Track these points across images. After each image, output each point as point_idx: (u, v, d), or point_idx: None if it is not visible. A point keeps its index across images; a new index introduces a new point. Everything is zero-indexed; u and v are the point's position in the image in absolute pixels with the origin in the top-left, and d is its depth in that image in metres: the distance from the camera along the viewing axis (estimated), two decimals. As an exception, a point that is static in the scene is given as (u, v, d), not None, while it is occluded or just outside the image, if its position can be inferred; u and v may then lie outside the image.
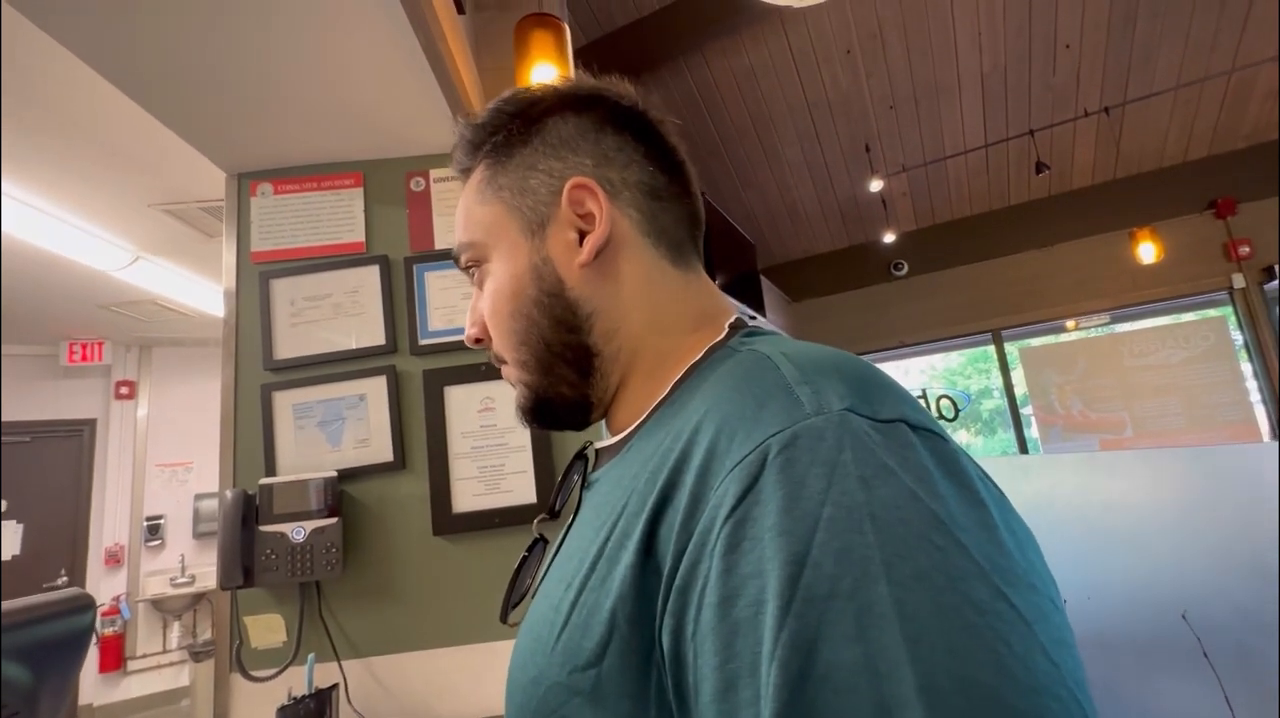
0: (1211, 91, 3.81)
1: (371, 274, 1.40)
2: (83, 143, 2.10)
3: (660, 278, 0.43)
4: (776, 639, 0.23)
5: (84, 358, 4.14)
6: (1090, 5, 3.44)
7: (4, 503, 3.90)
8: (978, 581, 0.23)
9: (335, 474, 1.27)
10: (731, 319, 0.43)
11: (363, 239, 1.43)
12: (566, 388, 0.44)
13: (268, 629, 1.24)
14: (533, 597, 0.41)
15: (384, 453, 1.33)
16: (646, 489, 0.32)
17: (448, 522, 1.29)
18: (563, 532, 0.44)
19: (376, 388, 1.35)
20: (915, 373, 5.97)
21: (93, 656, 3.90)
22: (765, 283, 4.52)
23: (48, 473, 4.10)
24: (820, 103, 4.06)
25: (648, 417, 0.41)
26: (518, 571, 0.49)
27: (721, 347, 0.40)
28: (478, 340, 0.47)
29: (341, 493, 1.28)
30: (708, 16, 3.49)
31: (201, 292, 3.44)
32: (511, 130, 0.45)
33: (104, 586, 4.04)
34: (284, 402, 1.34)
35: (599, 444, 0.47)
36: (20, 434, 4.04)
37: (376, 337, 1.38)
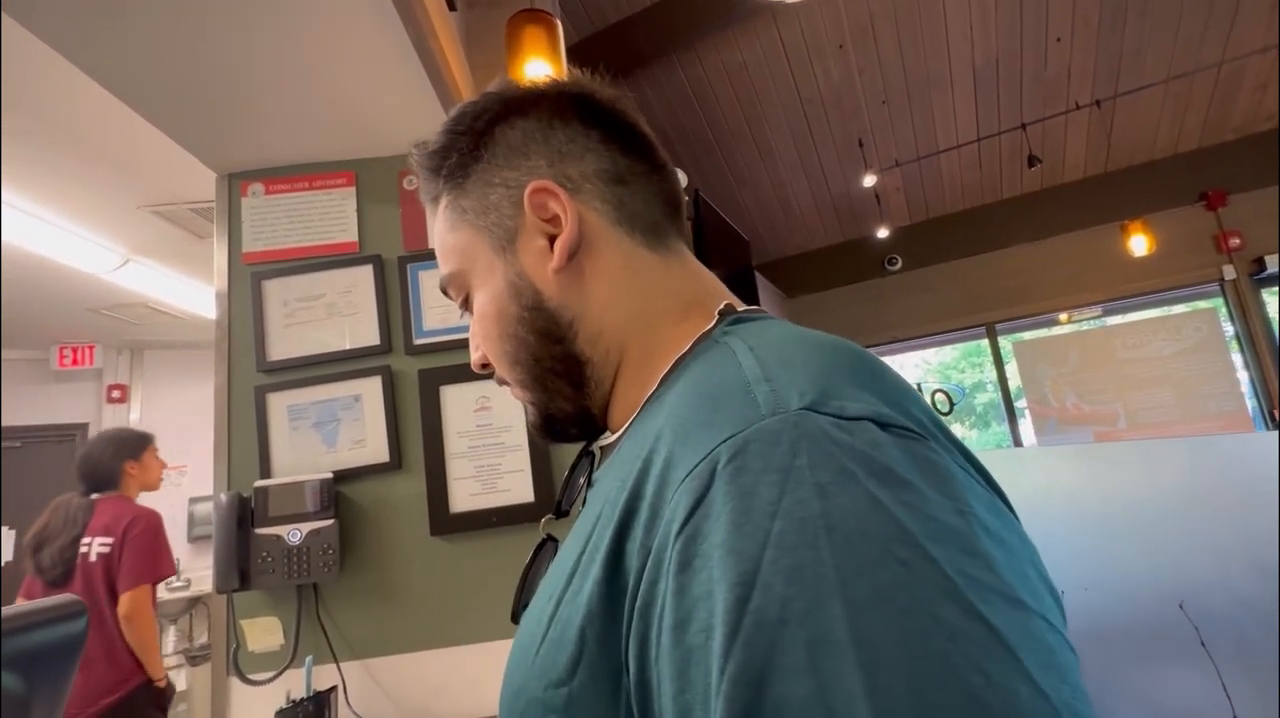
0: (1202, 84, 3.83)
1: (365, 274, 1.39)
2: (69, 144, 2.08)
3: (640, 267, 0.41)
4: (723, 672, 0.21)
5: (75, 362, 4.11)
6: (1081, -1, 3.46)
7: (-4, 509, 3.87)
8: (948, 599, 0.20)
9: (331, 476, 1.26)
10: (721, 305, 0.40)
11: (355, 239, 1.42)
12: (564, 402, 0.42)
13: (265, 632, 1.23)
14: None
15: (380, 453, 1.32)
16: (616, 498, 0.30)
17: (445, 522, 1.29)
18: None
19: (372, 388, 1.35)
20: (910, 367, 5.99)
21: (88, 661, 3.87)
22: (760, 279, 4.52)
23: (40, 478, 4.07)
24: (813, 98, 4.06)
25: (637, 415, 0.39)
26: (527, 571, 0.47)
27: (706, 338, 0.37)
28: (484, 366, 0.46)
29: (338, 494, 1.27)
30: (700, 12, 3.48)
31: (193, 293, 3.41)
32: (462, 149, 0.43)
33: (99, 591, 4.01)
34: (278, 403, 1.33)
35: (602, 442, 0.46)
36: (12, 439, 4.01)
37: (371, 337, 1.37)
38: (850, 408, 0.25)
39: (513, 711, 0.32)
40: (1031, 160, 3.80)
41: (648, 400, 0.38)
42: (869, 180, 4.22)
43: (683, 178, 3.14)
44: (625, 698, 0.26)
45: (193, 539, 4.33)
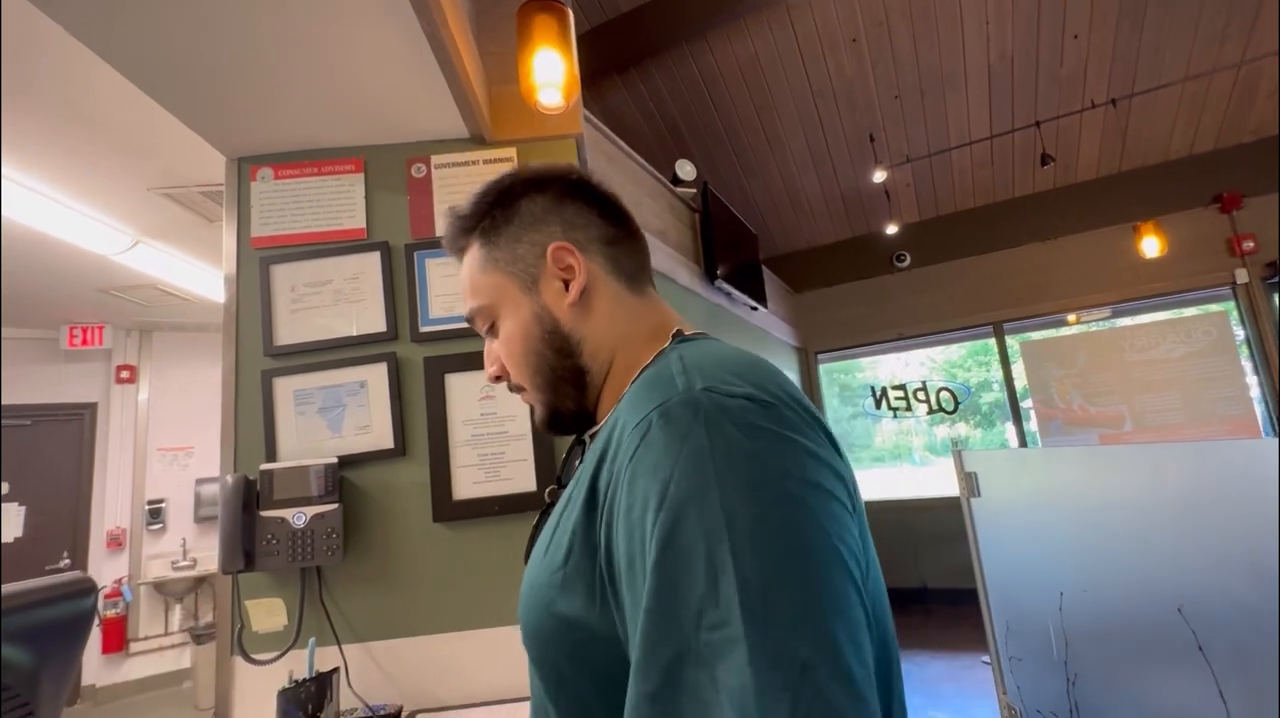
0: (1220, 84, 3.78)
1: (372, 261, 1.40)
2: (81, 125, 2.09)
3: (624, 305, 0.57)
4: (654, 525, 0.36)
5: (84, 342, 4.14)
6: (1100, -5, 3.41)
7: (5, 486, 3.92)
8: (775, 484, 0.37)
9: (336, 460, 1.28)
10: (675, 331, 0.56)
11: (363, 225, 1.42)
12: (570, 403, 0.57)
13: (269, 613, 1.25)
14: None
15: (385, 440, 1.33)
16: (594, 454, 0.46)
17: (448, 509, 1.30)
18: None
19: (377, 375, 1.35)
20: (915, 365, 5.96)
21: (95, 637, 3.93)
22: (767, 273, 4.51)
23: (49, 456, 4.12)
24: (825, 92, 4.03)
25: (611, 413, 0.52)
26: (535, 527, 0.63)
27: (662, 353, 0.52)
28: (498, 378, 0.61)
29: (342, 479, 1.29)
30: (713, 2, 3.46)
31: (202, 276, 3.43)
32: (495, 216, 0.58)
33: (106, 568, 4.07)
34: (285, 388, 1.34)
35: (590, 432, 0.61)
36: (21, 417, 4.05)
37: (377, 323, 1.37)
38: (731, 389, 0.41)
39: (531, 596, 0.47)
40: (1044, 159, 3.77)
41: (614, 408, 0.52)
42: (879, 176, 4.19)
43: (691, 170, 3.12)
44: (599, 571, 0.42)
45: (199, 520, 4.38)
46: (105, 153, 2.26)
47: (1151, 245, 3.95)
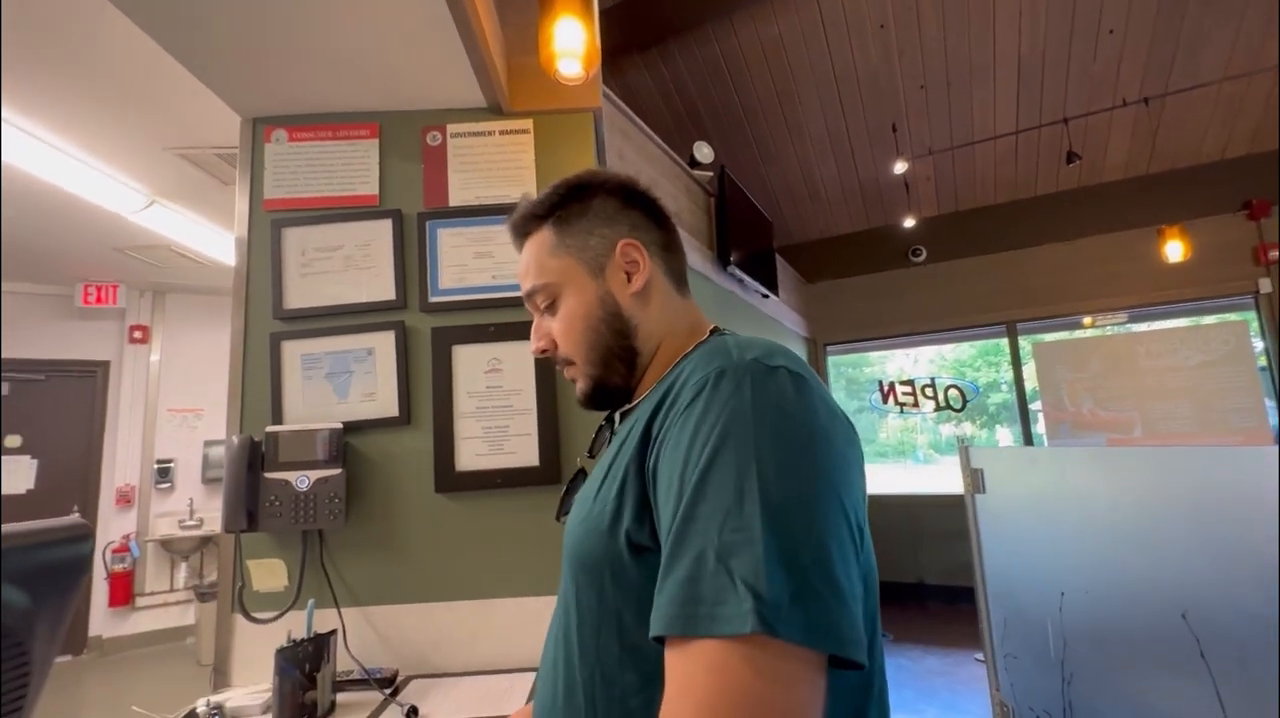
0: (1258, 87, 3.67)
1: (384, 228, 1.39)
2: (99, 79, 2.08)
3: (673, 302, 0.67)
4: (701, 451, 0.45)
5: (99, 300, 4.17)
6: (1139, -12, 3.30)
7: (17, 439, 3.98)
8: (800, 437, 0.45)
9: (341, 426, 1.28)
10: (713, 327, 0.67)
11: (376, 192, 1.41)
12: (618, 378, 0.65)
13: (270, 574, 1.26)
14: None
15: (390, 408, 1.33)
16: (648, 409, 0.54)
17: (450, 480, 1.30)
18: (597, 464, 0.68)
19: (385, 342, 1.35)
20: (924, 362, 5.90)
21: (103, 590, 4.02)
22: (780, 261, 4.46)
23: (62, 412, 4.17)
24: (849, 78, 3.95)
25: (651, 389, 0.61)
26: (567, 490, 0.76)
27: (704, 342, 0.62)
28: (543, 352, 0.67)
29: (346, 445, 1.29)
30: (739, -19, 3.38)
31: (215, 239, 3.43)
32: (571, 208, 0.66)
33: (115, 524, 4.14)
34: (292, 351, 1.35)
35: (622, 410, 0.68)
36: (35, 372, 4.10)
37: (386, 291, 1.37)
38: (773, 363, 0.49)
39: (581, 529, 0.54)
40: (1070, 157, 3.69)
41: (659, 381, 0.61)
42: (900, 167, 4.12)
43: (709, 153, 3.07)
44: (646, 488, 0.50)
45: (206, 481, 4.45)
46: (122, 109, 2.26)
47: (1175, 250, 3.87)
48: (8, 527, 0.39)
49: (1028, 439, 4.54)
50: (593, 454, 0.75)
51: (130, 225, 3.16)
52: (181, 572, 4.30)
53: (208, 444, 4.50)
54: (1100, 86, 3.78)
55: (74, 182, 2.67)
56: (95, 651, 3.99)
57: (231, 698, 1.11)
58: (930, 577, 4.49)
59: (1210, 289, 4.09)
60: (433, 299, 1.37)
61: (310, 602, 1.17)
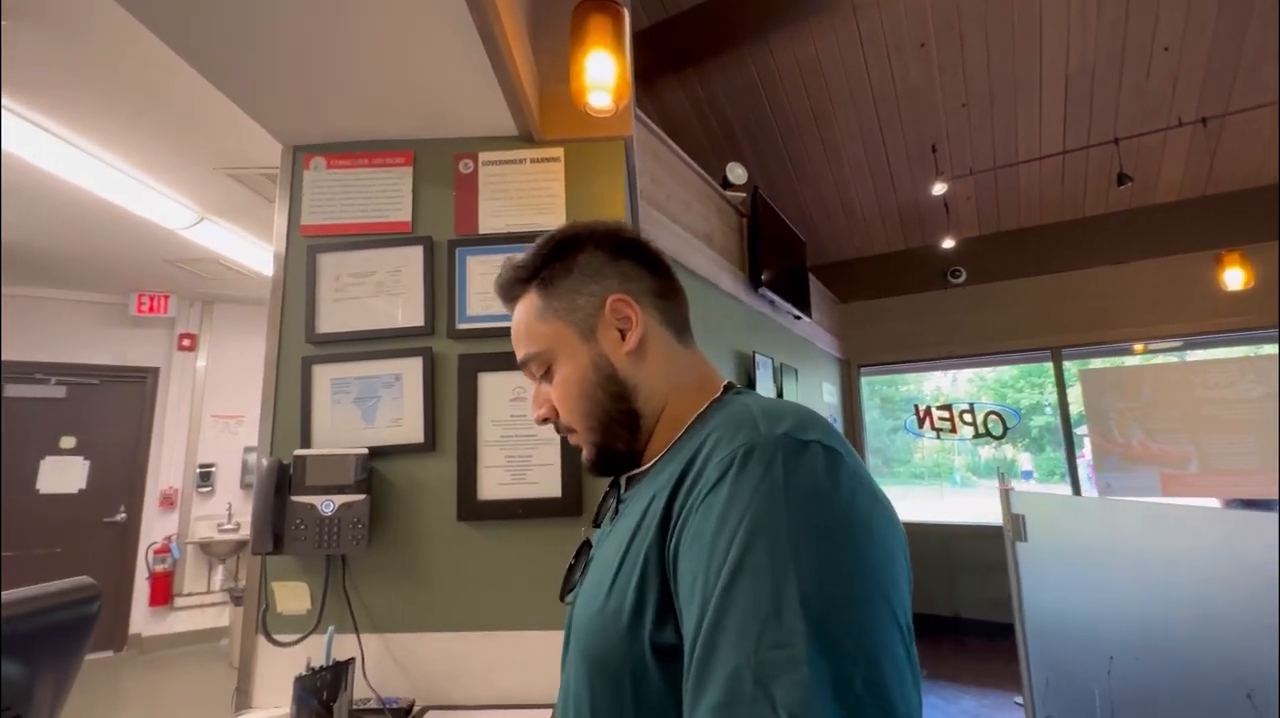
0: (1327, 106, 3.47)
1: (415, 255, 1.40)
2: (153, 105, 2.18)
3: (675, 355, 0.62)
4: (728, 547, 0.40)
5: (151, 309, 4.36)
6: (1196, 5, 3.17)
7: (72, 440, 4.16)
8: (842, 526, 0.40)
9: (366, 451, 1.29)
10: (725, 383, 0.62)
11: (409, 219, 1.43)
12: (621, 444, 0.60)
13: (293, 596, 1.27)
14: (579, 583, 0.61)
15: (415, 434, 1.34)
16: (668, 483, 0.49)
17: (472, 508, 1.29)
18: (600, 538, 0.64)
19: (412, 369, 1.36)
20: (963, 383, 5.72)
21: (144, 589, 4.16)
22: (813, 282, 4.40)
23: (113, 415, 4.36)
24: (887, 97, 3.89)
25: (668, 450, 0.58)
26: (571, 566, 0.68)
27: (719, 402, 0.58)
28: (545, 419, 0.64)
29: (371, 470, 1.30)
30: (777, 2, 3.37)
31: (260, 253, 3.56)
32: (555, 268, 0.62)
33: (157, 525, 4.29)
34: (323, 375, 1.36)
35: (630, 474, 0.64)
36: (91, 377, 4.30)
37: (416, 317, 1.38)
38: (806, 437, 0.45)
39: (595, 626, 0.49)
40: (1121, 178, 3.55)
41: (678, 440, 0.57)
42: (939, 188, 4.03)
43: (742, 173, 3.05)
44: (669, 596, 0.45)
45: (244, 486, 4.57)
46: (174, 131, 2.36)
47: (1235, 277, 3.68)
48: (10, 594, 0.38)
49: (1071, 467, 4.34)
50: (598, 523, 0.70)
51: (181, 240, 3.30)
52: (219, 574, 4.42)
53: (247, 450, 4.63)
54: (1154, 106, 3.64)
55: (130, 198, 2.80)
56: (135, 648, 4.12)
57: (251, 722, 1.11)
58: (967, 610, 4.32)
59: (1274, 318, 3.86)
60: (460, 326, 1.37)
61: (330, 628, 1.17)
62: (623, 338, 0.59)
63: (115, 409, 4.38)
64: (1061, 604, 1.28)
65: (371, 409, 1.35)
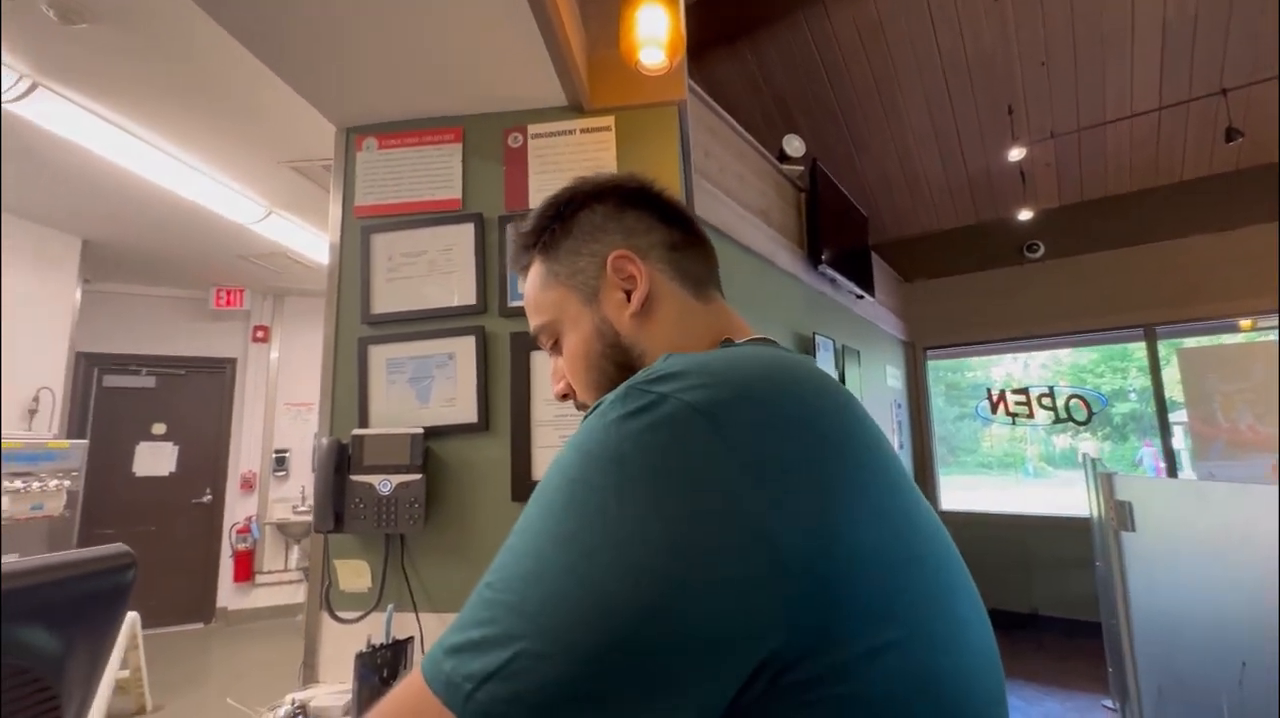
0: None
1: (466, 232, 1.38)
2: (217, 100, 2.25)
3: (689, 312, 0.54)
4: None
5: (228, 303, 4.60)
6: (1325, -69, 2.79)
7: (162, 426, 4.46)
8: (565, 490, 0.35)
9: (422, 431, 1.28)
10: (724, 339, 0.53)
11: (459, 196, 1.41)
12: None
13: (355, 574, 1.28)
14: None
15: (469, 414, 1.32)
16: None
17: (526, 488, 1.27)
18: None
19: (465, 348, 1.34)
20: (1035, 368, 5.35)
21: (229, 566, 4.44)
22: (876, 260, 4.19)
23: (198, 403, 4.64)
24: (956, 59, 3.63)
25: None
26: None
27: None
28: (564, 396, 0.59)
29: (427, 450, 1.29)
30: (834, -37, 3.19)
31: (323, 245, 3.68)
32: (554, 230, 0.56)
33: (239, 507, 4.55)
34: (379, 356, 1.37)
35: None
36: (177, 368, 4.59)
37: (468, 296, 1.36)
38: (648, 388, 0.36)
39: None
40: (1230, 134, 3.19)
41: None
42: (1015, 154, 3.75)
43: (799, 146, 2.89)
44: None
45: (314, 471, 4.78)
46: (239, 127, 2.44)
47: (1367, 240, 3.26)
48: (43, 558, 0.36)
49: (1169, 456, 3.99)
50: None
51: (252, 235, 3.44)
52: (294, 554, 4.66)
53: (316, 437, 4.85)
54: (1267, 50, 3.24)
55: (204, 195, 2.93)
56: (221, 620, 4.40)
57: (316, 697, 1.13)
58: (1046, 607, 4.06)
59: None
60: (512, 304, 1.34)
61: (389, 607, 1.18)
62: (628, 300, 0.53)
63: (199, 398, 4.66)
64: (1179, 603, 1.13)
65: (426, 389, 1.34)
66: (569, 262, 0.55)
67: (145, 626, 2.91)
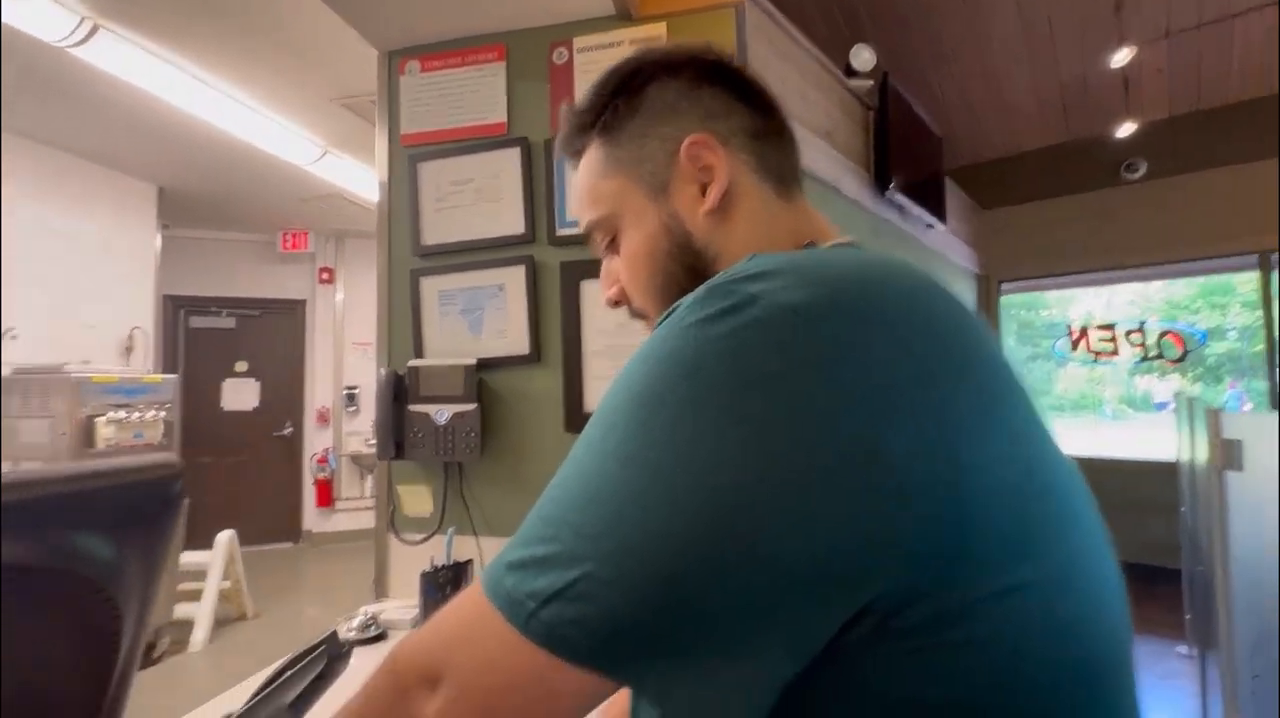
0: None
1: (512, 158, 1.33)
2: (270, 38, 2.23)
3: (771, 211, 0.48)
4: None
5: (294, 246, 4.77)
6: None
7: (244, 364, 4.76)
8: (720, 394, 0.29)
9: (474, 362, 1.28)
10: (808, 242, 0.46)
11: (504, 119, 1.35)
12: None
13: (417, 499, 1.33)
14: None
15: (520, 345, 1.31)
16: None
17: (579, 420, 1.26)
18: None
19: (515, 278, 1.32)
20: (1121, 304, 4.89)
21: (311, 493, 4.80)
22: (950, 185, 3.88)
23: (274, 343, 4.91)
24: (1057, -52, 3.18)
25: None
26: None
27: None
28: (616, 303, 0.52)
29: (480, 381, 1.30)
30: None
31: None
32: (618, 108, 0.48)
33: (317, 439, 4.88)
34: (431, 288, 1.36)
35: None
36: (253, 309, 4.84)
37: (516, 225, 1.33)
38: (742, 286, 0.31)
39: None
40: (1394, 20, 2.69)
41: None
42: (1121, 57, 3.31)
43: (869, 58, 2.63)
44: None
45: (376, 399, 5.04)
46: (291, 65, 2.43)
47: None
48: (89, 463, 0.35)
49: (1278, 402, 3.65)
50: None
51: (309, 176, 3.50)
52: (368, 483, 4.98)
53: (377, 368, 5.07)
54: None
55: (262, 136, 2.97)
56: (307, 542, 4.81)
57: (386, 610, 1.20)
58: (1125, 554, 3.85)
59: None
60: (561, 232, 1.30)
61: (450, 529, 1.21)
62: (703, 194, 0.46)
63: (275, 338, 4.92)
64: (1289, 548, 1.03)
65: (478, 320, 1.34)
66: (634, 146, 0.48)
67: (242, 544, 3.19)
